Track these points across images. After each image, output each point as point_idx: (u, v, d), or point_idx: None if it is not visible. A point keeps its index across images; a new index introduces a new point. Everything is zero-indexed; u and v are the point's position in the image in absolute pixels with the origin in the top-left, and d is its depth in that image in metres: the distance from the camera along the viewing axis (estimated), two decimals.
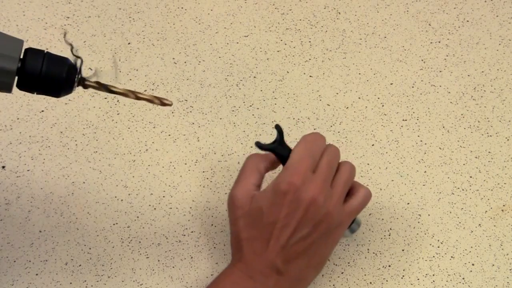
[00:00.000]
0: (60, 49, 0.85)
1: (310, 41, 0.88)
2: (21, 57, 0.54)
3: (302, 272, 0.64)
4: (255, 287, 0.63)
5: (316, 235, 0.63)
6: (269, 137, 0.79)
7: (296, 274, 0.64)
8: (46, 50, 0.55)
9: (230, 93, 0.82)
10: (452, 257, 0.71)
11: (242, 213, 0.64)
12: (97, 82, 0.57)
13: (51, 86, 0.55)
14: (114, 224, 0.72)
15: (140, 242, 0.71)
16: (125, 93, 0.58)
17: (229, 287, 0.63)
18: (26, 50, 0.55)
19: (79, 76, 0.56)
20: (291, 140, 0.78)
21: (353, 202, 0.65)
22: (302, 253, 0.63)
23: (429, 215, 0.74)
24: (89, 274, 0.69)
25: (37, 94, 0.56)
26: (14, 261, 0.69)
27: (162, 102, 0.59)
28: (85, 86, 0.57)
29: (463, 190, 0.75)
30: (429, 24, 0.90)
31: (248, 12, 0.90)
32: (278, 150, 0.66)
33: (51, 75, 0.54)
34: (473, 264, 0.70)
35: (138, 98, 0.58)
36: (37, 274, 0.68)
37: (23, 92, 0.80)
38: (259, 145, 0.66)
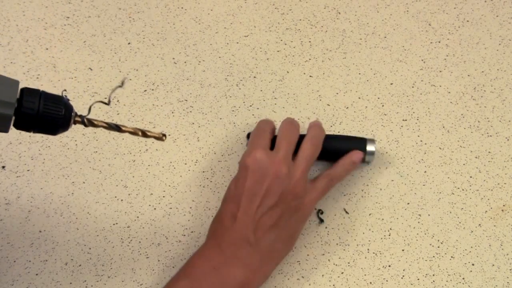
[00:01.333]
0: (60, 49, 0.85)
1: (310, 41, 0.88)
2: (17, 97, 0.54)
3: (273, 245, 0.66)
4: (226, 260, 0.64)
5: (283, 206, 0.66)
6: None
7: (267, 246, 0.66)
8: (41, 90, 0.55)
9: (230, 93, 0.82)
10: (452, 257, 0.71)
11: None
12: (105, 122, 0.58)
13: (48, 125, 0.55)
14: (114, 224, 0.72)
15: (140, 242, 0.71)
16: (134, 132, 0.60)
17: (202, 262, 0.65)
18: (22, 90, 0.54)
19: (79, 115, 0.57)
20: None
21: (317, 184, 0.70)
22: (272, 225, 0.65)
23: (429, 215, 0.74)
24: (89, 274, 0.69)
25: (33, 133, 0.56)
26: (14, 261, 0.69)
27: (159, 137, 0.60)
28: (93, 125, 0.58)
29: (463, 190, 0.75)
30: (429, 24, 0.90)
31: (248, 12, 0.90)
32: None
33: (48, 114, 0.54)
34: (473, 264, 0.70)
35: (146, 136, 0.60)
36: (37, 274, 0.68)
37: None
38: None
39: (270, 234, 0.66)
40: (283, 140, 0.69)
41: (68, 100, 0.57)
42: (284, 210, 0.66)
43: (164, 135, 0.60)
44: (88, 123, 0.57)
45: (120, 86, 0.61)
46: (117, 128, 0.58)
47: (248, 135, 0.76)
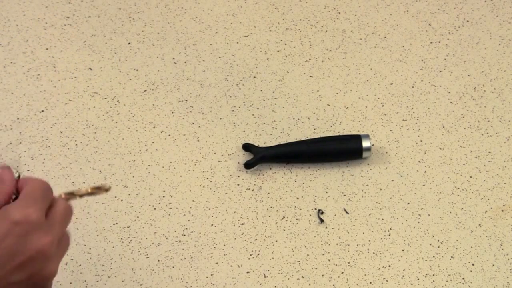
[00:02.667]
0: (60, 49, 0.85)
1: (310, 41, 0.88)
2: None
3: None
4: None
5: (26, 283, 0.55)
6: (269, 137, 0.79)
7: None
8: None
9: (230, 93, 0.82)
10: (452, 257, 0.71)
11: None
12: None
13: None
14: (114, 224, 0.72)
15: (140, 242, 0.71)
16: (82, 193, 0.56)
17: None
18: None
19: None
20: (291, 140, 0.78)
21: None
22: None
23: (429, 215, 0.74)
24: (89, 274, 0.69)
25: None
26: None
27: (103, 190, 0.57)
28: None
29: (463, 190, 0.75)
30: (429, 24, 0.90)
31: (248, 12, 0.90)
32: None
33: None
34: (473, 264, 0.70)
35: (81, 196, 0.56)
36: None
37: (23, 92, 0.81)
38: None
39: None
40: (61, 218, 0.57)
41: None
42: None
43: (108, 189, 0.57)
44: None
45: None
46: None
47: (245, 146, 0.76)
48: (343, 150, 0.76)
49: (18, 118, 0.79)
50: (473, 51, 0.87)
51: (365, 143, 0.76)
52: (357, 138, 0.76)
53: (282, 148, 0.77)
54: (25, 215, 0.53)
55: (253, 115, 0.81)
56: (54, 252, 0.55)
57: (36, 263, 0.54)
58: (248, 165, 0.75)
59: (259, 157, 0.75)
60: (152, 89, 0.82)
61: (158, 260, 0.70)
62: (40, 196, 0.56)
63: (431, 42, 0.88)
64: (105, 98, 0.81)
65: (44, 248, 0.54)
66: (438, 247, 0.71)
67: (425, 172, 0.77)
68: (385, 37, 0.88)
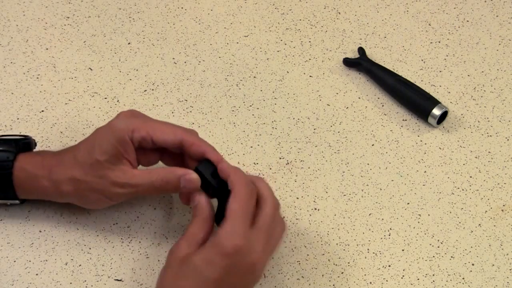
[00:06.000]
0: (60, 49, 0.85)
1: (310, 41, 0.88)
2: None
3: None
4: None
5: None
6: (269, 137, 0.79)
7: None
8: None
9: (230, 93, 0.82)
10: (452, 257, 0.71)
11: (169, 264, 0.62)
12: None
13: None
14: (114, 224, 0.72)
15: (140, 242, 0.71)
16: None
17: None
18: None
19: None
20: (290, 140, 0.78)
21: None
22: None
23: (429, 215, 0.74)
24: (89, 274, 0.69)
25: None
26: (14, 261, 0.69)
27: None
28: None
29: (463, 190, 0.75)
30: (429, 24, 0.90)
31: (248, 12, 0.90)
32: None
33: None
34: (473, 264, 0.70)
35: None
36: (37, 274, 0.68)
37: (23, 92, 0.81)
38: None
39: None
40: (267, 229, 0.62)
41: None
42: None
43: None
44: None
45: None
46: None
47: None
48: (415, 102, 0.80)
49: (18, 118, 0.79)
50: (473, 51, 0.87)
51: (436, 111, 0.78)
52: (434, 102, 0.79)
53: (379, 68, 0.83)
54: (235, 247, 0.59)
55: (253, 115, 0.81)
56: (264, 260, 0.61)
57: (248, 274, 0.60)
58: (347, 62, 0.85)
59: (362, 60, 0.84)
60: (152, 89, 0.82)
61: (158, 260, 0.70)
62: (246, 210, 0.61)
63: (431, 42, 0.88)
64: (105, 98, 0.81)
65: (255, 264, 0.60)
66: (438, 247, 0.71)
67: (425, 172, 0.77)
68: (385, 37, 0.88)
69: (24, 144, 0.69)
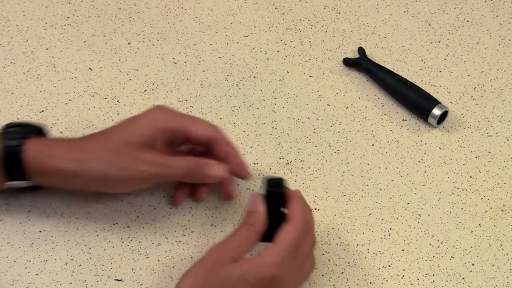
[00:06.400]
0: (60, 49, 0.85)
1: (310, 41, 0.88)
2: None
3: None
4: None
5: None
6: (269, 137, 0.79)
7: None
8: None
9: (230, 93, 0.82)
10: (452, 257, 0.71)
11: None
12: None
13: None
14: (114, 224, 0.72)
15: (140, 242, 0.71)
16: None
17: None
18: None
19: None
20: (290, 140, 0.78)
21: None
22: None
23: (429, 215, 0.74)
24: (89, 274, 0.69)
25: None
26: (14, 261, 0.69)
27: None
28: None
29: (463, 190, 0.75)
30: (429, 24, 0.90)
31: (248, 12, 0.90)
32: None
33: None
34: (473, 264, 0.70)
35: None
36: (37, 274, 0.68)
37: (23, 92, 0.81)
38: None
39: None
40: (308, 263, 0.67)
41: None
42: None
43: None
44: None
45: None
46: None
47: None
48: (415, 102, 0.80)
49: (18, 118, 0.79)
50: (473, 51, 0.87)
51: (436, 111, 0.78)
52: (434, 102, 0.79)
53: (379, 68, 0.83)
54: (273, 276, 0.60)
55: (253, 115, 0.81)
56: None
57: None
58: (347, 62, 0.84)
59: (362, 60, 0.84)
60: (152, 89, 0.82)
61: (158, 260, 0.70)
62: (296, 244, 0.62)
63: (431, 42, 0.88)
64: (105, 98, 0.81)
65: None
66: (438, 247, 0.71)
67: (425, 172, 0.77)
68: (385, 37, 0.88)
69: (36, 128, 0.70)
